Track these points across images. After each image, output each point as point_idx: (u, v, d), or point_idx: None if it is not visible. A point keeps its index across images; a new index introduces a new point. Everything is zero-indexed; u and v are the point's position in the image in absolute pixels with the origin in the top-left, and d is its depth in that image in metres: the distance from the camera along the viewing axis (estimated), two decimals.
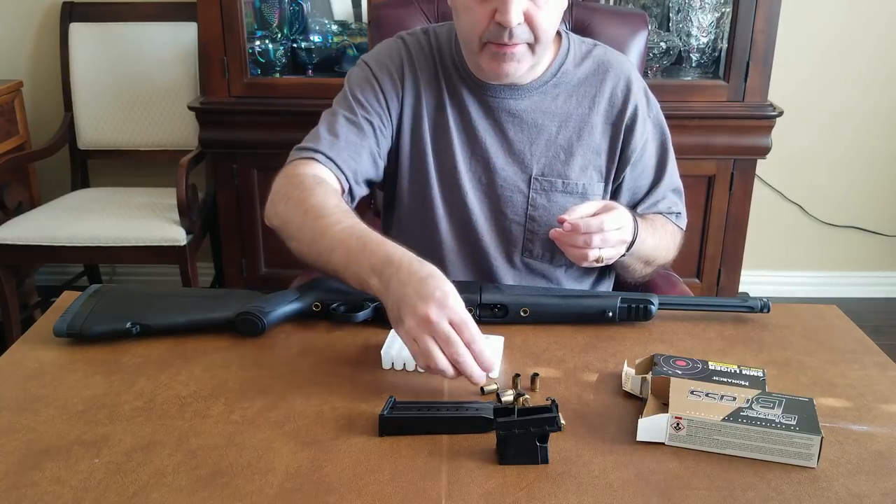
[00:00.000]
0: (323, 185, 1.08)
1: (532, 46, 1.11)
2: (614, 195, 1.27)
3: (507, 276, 1.26)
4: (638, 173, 1.26)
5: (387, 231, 1.31)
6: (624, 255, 1.12)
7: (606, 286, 1.34)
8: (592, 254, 1.06)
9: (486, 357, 0.84)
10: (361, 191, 1.20)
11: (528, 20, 1.07)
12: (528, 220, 1.23)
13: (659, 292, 1.21)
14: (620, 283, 1.35)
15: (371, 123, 1.18)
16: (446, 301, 0.83)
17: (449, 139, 1.21)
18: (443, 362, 0.83)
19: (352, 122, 1.18)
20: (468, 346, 0.83)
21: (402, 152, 1.23)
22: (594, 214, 1.06)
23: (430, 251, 1.22)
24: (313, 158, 1.13)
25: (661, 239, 1.22)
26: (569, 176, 1.22)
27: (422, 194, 1.24)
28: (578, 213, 1.05)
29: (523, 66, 1.13)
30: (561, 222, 1.04)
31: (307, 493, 0.73)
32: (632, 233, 1.10)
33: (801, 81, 2.62)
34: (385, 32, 1.55)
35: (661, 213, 1.28)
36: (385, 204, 1.32)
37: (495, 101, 1.20)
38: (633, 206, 1.27)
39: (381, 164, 1.22)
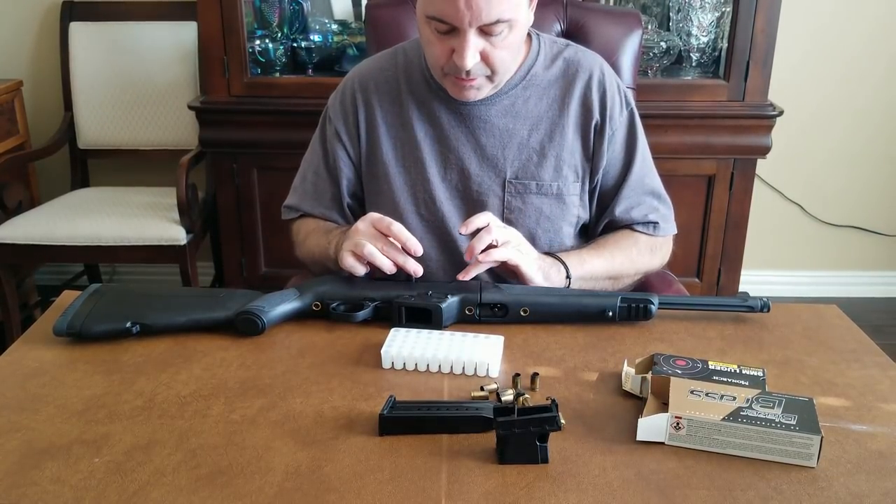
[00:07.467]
0: (310, 234, 1.27)
1: (491, 77, 1.15)
2: (589, 194, 1.27)
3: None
4: (606, 168, 1.26)
5: None
6: (568, 279, 1.15)
7: None
8: (502, 253, 1.06)
9: (411, 244, 1.05)
10: (347, 213, 1.31)
11: (485, 59, 1.11)
12: (505, 222, 1.22)
13: (654, 291, 1.20)
14: None
15: (339, 169, 1.28)
16: (368, 217, 1.08)
17: (419, 154, 1.23)
18: (378, 256, 1.04)
19: (322, 173, 1.30)
20: (402, 243, 1.05)
21: (364, 179, 1.28)
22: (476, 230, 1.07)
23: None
24: (303, 216, 1.33)
25: (616, 256, 1.22)
26: (542, 178, 1.23)
27: (389, 212, 1.24)
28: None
29: (484, 93, 1.18)
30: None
31: (307, 492, 0.73)
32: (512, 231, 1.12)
33: (802, 81, 2.62)
34: (380, 32, 1.55)
35: (632, 225, 1.26)
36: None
37: (466, 108, 1.22)
38: (606, 208, 1.26)
39: (355, 187, 1.31)
